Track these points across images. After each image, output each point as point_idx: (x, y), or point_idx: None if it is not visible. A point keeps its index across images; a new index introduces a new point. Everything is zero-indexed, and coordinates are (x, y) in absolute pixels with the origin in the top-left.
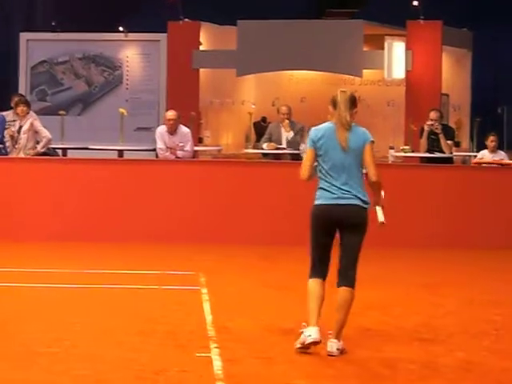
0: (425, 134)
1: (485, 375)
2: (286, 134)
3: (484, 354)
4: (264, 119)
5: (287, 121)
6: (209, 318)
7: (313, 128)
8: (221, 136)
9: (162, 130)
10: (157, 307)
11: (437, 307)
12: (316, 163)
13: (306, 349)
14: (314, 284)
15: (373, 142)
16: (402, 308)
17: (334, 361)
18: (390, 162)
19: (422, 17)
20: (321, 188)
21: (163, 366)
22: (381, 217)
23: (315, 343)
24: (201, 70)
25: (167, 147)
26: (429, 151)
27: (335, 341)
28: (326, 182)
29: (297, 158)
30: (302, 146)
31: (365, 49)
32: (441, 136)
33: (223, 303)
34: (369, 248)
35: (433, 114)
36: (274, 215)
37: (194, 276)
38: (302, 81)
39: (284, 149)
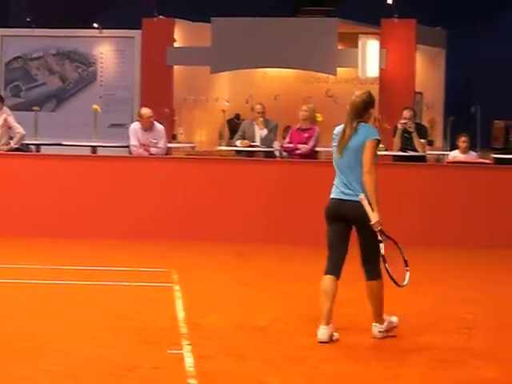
0: (398, 133)
1: (457, 373)
2: (260, 132)
3: (456, 352)
4: (238, 116)
5: (261, 118)
6: (181, 314)
7: (336, 127)
8: (194, 133)
9: (135, 126)
10: (129, 304)
11: (413, 305)
12: None
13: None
14: (324, 281)
15: (376, 140)
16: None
17: (305, 358)
18: None
19: (396, 15)
20: (333, 184)
21: (135, 362)
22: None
23: (323, 343)
24: (175, 66)
25: (141, 144)
26: (402, 150)
27: (376, 324)
28: (336, 178)
29: (270, 155)
30: (276, 144)
31: (339, 47)
32: (414, 135)
33: (196, 300)
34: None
35: (406, 113)
36: (247, 212)
37: (166, 273)
38: (275, 78)
39: (257, 146)
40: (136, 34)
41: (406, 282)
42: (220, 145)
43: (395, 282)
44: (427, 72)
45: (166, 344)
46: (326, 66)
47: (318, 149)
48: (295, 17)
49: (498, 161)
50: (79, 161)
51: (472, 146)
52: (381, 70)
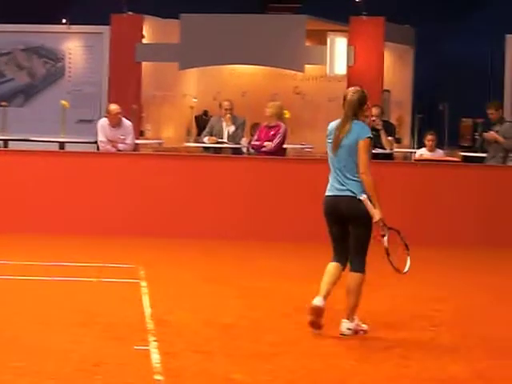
0: None
1: (424, 370)
2: (228, 128)
3: (424, 350)
4: (205, 113)
5: (229, 115)
6: (148, 311)
7: (330, 123)
8: (162, 129)
9: (103, 122)
10: (96, 300)
11: (380, 303)
12: None
13: (312, 315)
14: (329, 265)
15: (369, 137)
16: (342, 304)
17: (272, 355)
18: None
19: (364, 13)
20: (329, 181)
21: (102, 358)
22: (373, 216)
23: (316, 308)
24: (143, 63)
25: (108, 140)
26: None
27: (346, 321)
28: (331, 175)
29: (238, 152)
30: (243, 140)
31: (307, 44)
32: (382, 132)
33: (162, 296)
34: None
35: (374, 111)
36: (215, 209)
37: (133, 269)
38: (243, 75)
39: (225, 143)
40: (105, 29)
41: (407, 269)
42: (188, 141)
43: (398, 271)
44: (395, 70)
45: (132, 340)
46: (294, 63)
47: (285, 146)
48: (263, 14)
49: (466, 159)
50: (47, 156)
51: (440, 144)
52: (349, 67)
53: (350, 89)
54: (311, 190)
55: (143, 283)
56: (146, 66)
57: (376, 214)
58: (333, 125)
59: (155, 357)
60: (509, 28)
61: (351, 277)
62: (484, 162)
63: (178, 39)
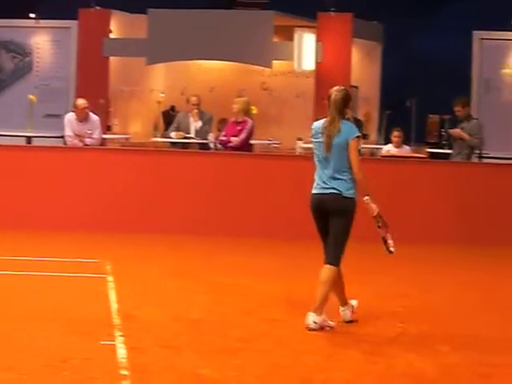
0: None
1: (389, 368)
2: (195, 124)
3: (389, 347)
4: (173, 108)
5: (196, 110)
6: (114, 306)
7: (315, 122)
8: (129, 124)
9: (70, 117)
10: (63, 295)
11: (349, 299)
12: None
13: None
14: (322, 270)
15: (358, 137)
16: (309, 299)
17: (239, 350)
18: (297, 154)
19: (332, 9)
20: (314, 179)
21: (68, 353)
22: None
23: (309, 329)
24: (111, 57)
25: (76, 134)
26: None
27: (313, 314)
28: (317, 173)
29: (205, 147)
30: (210, 136)
31: (275, 40)
32: None
33: (130, 292)
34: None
35: None
36: (182, 204)
37: (100, 264)
38: (211, 70)
39: (192, 138)
40: (72, 24)
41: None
42: (155, 136)
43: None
44: (363, 66)
45: (99, 335)
46: (262, 59)
47: (252, 141)
48: (231, 9)
49: (432, 155)
50: (14, 151)
51: (407, 140)
52: (317, 63)
53: (334, 88)
54: (278, 185)
55: (110, 278)
56: (113, 60)
57: (374, 210)
58: (318, 124)
59: (121, 352)
60: (476, 24)
61: (324, 269)
62: (449, 159)
63: (146, 34)
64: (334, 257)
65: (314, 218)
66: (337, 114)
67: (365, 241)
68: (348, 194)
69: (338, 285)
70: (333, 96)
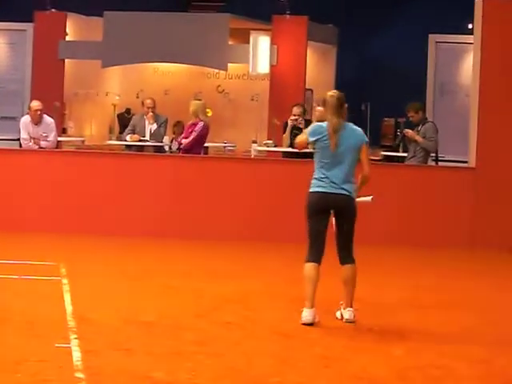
0: (288, 129)
1: (342, 371)
2: (150, 127)
3: (341, 351)
4: (128, 111)
5: (151, 113)
6: (69, 308)
7: (315, 124)
8: (84, 127)
9: (25, 119)
10: (17, 297)
11: (292, 303)
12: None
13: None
14: (308, 268)
15: (367, 142)
16: (263, 302)
17: (192, 353)
18: (252, 157)
19: (287, 12)
20: (316, 178)
21: (23, 355)
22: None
23: (308, 324)
24: (66, 60)
25: (31, 137)
26: (291, 146)
27: (351, 308)
28: (321, 173)
29: (160, 150)
30: (166, 139)
31: (230, 43)
32: (304, 131)
33: (84, 294)
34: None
35: (296, 110)
36: (136, 206)
37: (54, 266)
38: (166, 73)
39: (147, 141)
40: (28, 26)
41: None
42: (110, 139)
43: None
44: (318, 69)
45: (53, 338)
46: (217, 62)
47: (207, 144)
48: (186, 12)
49: (388, 158)
50: None
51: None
52: (272, 66)
53: (328, 92)
54: (231, 188)
55: (64, 280)
56: (69, 63)
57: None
58: (319, 126)
59: (76, 355)
60: (431, 28)
61: (348, 269)
62: (404, 162)
63: (101, 37)
64: (352, 255)
65: (313, 216)
66: (333, 114)
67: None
68: (354, 195)
69: (316, 284)
70: (328, 99)
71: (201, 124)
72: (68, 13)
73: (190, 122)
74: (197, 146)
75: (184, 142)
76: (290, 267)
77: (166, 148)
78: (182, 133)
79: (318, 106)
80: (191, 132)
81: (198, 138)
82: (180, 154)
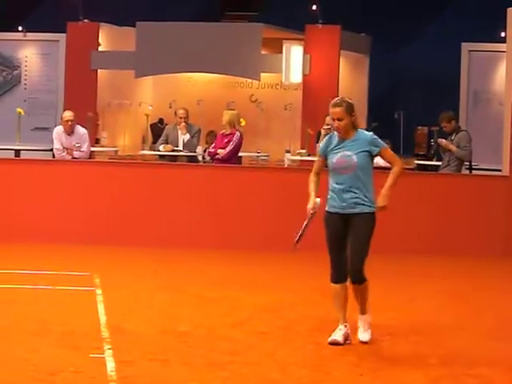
0: (321, 138)
1: (376, 380)
2: (183, 137)
3: (376, 360)
4: (161, 121)
5: (184, 123)
6: (103, 319)
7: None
8: (118, 137)
9: (59, 130)
10: (51, 308)
11: (330, 313)
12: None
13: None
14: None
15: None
16: (296, 312)
17: (227, 363)
18: (285, 166)
19: (320, 21)
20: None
21: (58, 366)
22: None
23: (334, 344)
24: (99, 70)
25: (64, 147)
26: None
27: (364, 316)
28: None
29: (193, 160)
30: (199, 149)
31: (263, 52)
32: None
33: (118, 304)
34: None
35: (329, 119)
36: (170, 217)
37: (88, 277)
38: (199, 83)
39: (180, 151)
40: (61, 37)
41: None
42: (143, 149)
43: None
44: (351, 78)
45: (88, 348)
46: (250, 71)
47: (240, 154)
48: (219, 22)
49: (421, 167)
50: (2, 164)
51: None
52: (304, 75)
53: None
54: (264, 197)
55: (98, 291)
56: (102, 73)
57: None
58: (332, 138)
59: (110, 365)
60: (464, 36)
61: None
62: (438, 171)
63: (134, 47)
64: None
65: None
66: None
67: None
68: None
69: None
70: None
71: (237, 134)
72: (100, 23)
73: (223, 132)
74: (233, 156)
75: (221, 152)
76: (324, 276)
77: (199, 158)
78: (213, 143)
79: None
80: (228, 142)
81: (235, 148)
82: (213, 164)
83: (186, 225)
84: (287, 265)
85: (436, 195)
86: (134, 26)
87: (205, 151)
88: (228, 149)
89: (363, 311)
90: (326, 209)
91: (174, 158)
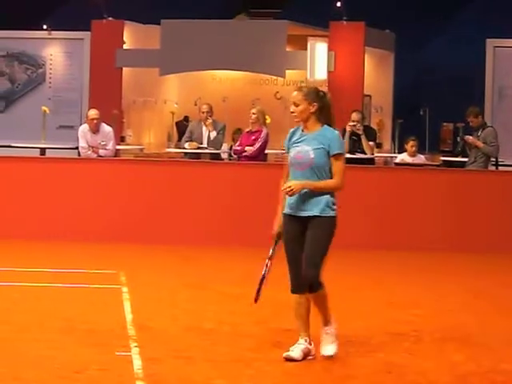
0: (347, 135)
1: (403, 377)
2: (209, 134)
3: (402, 356)
4: (186, 119)
5: (210, 120)
6: (129, 316)
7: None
8: (143, 135)
9: (84, 128)
10: (77, 306)
11: (355, 308)
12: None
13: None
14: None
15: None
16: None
17: (252, 360)
18: None
19: (344, 18)
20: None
21: (83, 364)
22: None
23: (289, 360)
24: (124, 68)
25: (89, 146)
26: (350, 152)
27: (326, 328)
28: None
29: (217, 157)
30: (224, 146)
31: (288, 49)
32: (362, 137)
33: (143, 302)
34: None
35: (354, 116)
36: (195, 215)
37: (114, 275)
38: (224, 81)
39: (205, 148)
40: (85, 35)
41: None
42: (168, 147)
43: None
44: (376, 74)
45: (114, 346)
46: (275, 68)
47: (266, 151)
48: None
49: (447, 163)
50: (28, 162)
51: (421, 149)
52: (329, 72)
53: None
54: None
55: (124, 289)
56: (126, 71)
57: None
58: None
59: (137, 363)
60: (489, 32)
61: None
62: (465, 167)
63: (159, 45)
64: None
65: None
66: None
67: (375, 249)
68: None
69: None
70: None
71: (265, 131)
72: (125, 21)
73: (248, 130)
74: (261, 154)
75: (249, 149)
76: (348, 274)
77: (225, 155)
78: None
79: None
80: (255, 140)
81: (262, 146)
82: (239, 162)
83: (210, 222)
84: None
85: (463, 192)
86: (158, 23)
87: (230, 148)
88: (256, 146)
89: (324, 322)
90: (283, 211)
91: (197, 156)
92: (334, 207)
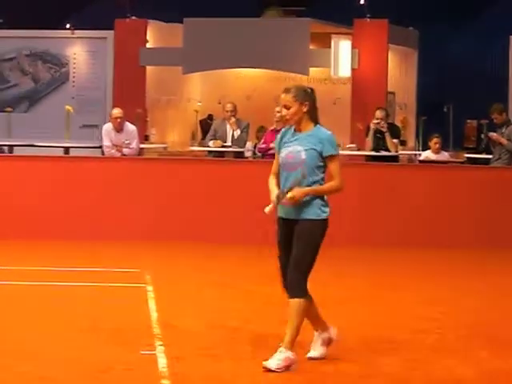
0: (371, 133)
1: (429, 374)
2: (233, 132)
3: (427, 353)
4: (210, 117)
5: (234, 118)
6: (154, 315)
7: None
8: (167, 133)
9: (108, 127)
10: (102, 305)
11: (384, 305)
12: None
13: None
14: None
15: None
16: (346, 306)
17: None
18: None
19: (368, 15)
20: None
21: (108, 363)
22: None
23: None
24: (147, 67)
25: (113, 144)
26: (375, 150)
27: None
28: None
29: (240, 155)
30: (248, 144)
31: (311, 47)
32: (387, 134)
33: (168, 301)
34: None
35: (379, 113)
36: (220, 213)
37: (139, 273)
38: (248, 79)
39: (229, 146)
40: (109, 34)
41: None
42: (192, 145)
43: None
44: (399, 72)
45: (139, 345)
46: (299, 66)
47: None
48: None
49: (471, 160)
50: (52, 161)
51: (445, 146)
52: (353, 69)
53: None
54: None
55: (149, 287)
56: (150, 70)
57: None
58: None
59: (162, 361)
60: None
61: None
62: (489, 164)
63: (182, 43)
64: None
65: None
66: None
67: (401, 246)
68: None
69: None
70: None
71: None
72: (148, 20)
73: (273, 128)
74: None
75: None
76: (373, 272)
77: (249, 153)
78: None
79: None
80: None
81: None
82: (264, 160)
83: (236, 220)
84: (336, 261)
85: (487, 189)
86: (181, 22)
87: (254, 147)
88: None
89: (285, 343)
90: (278, 214)
91: (220, 154)
92: (326, 209)
